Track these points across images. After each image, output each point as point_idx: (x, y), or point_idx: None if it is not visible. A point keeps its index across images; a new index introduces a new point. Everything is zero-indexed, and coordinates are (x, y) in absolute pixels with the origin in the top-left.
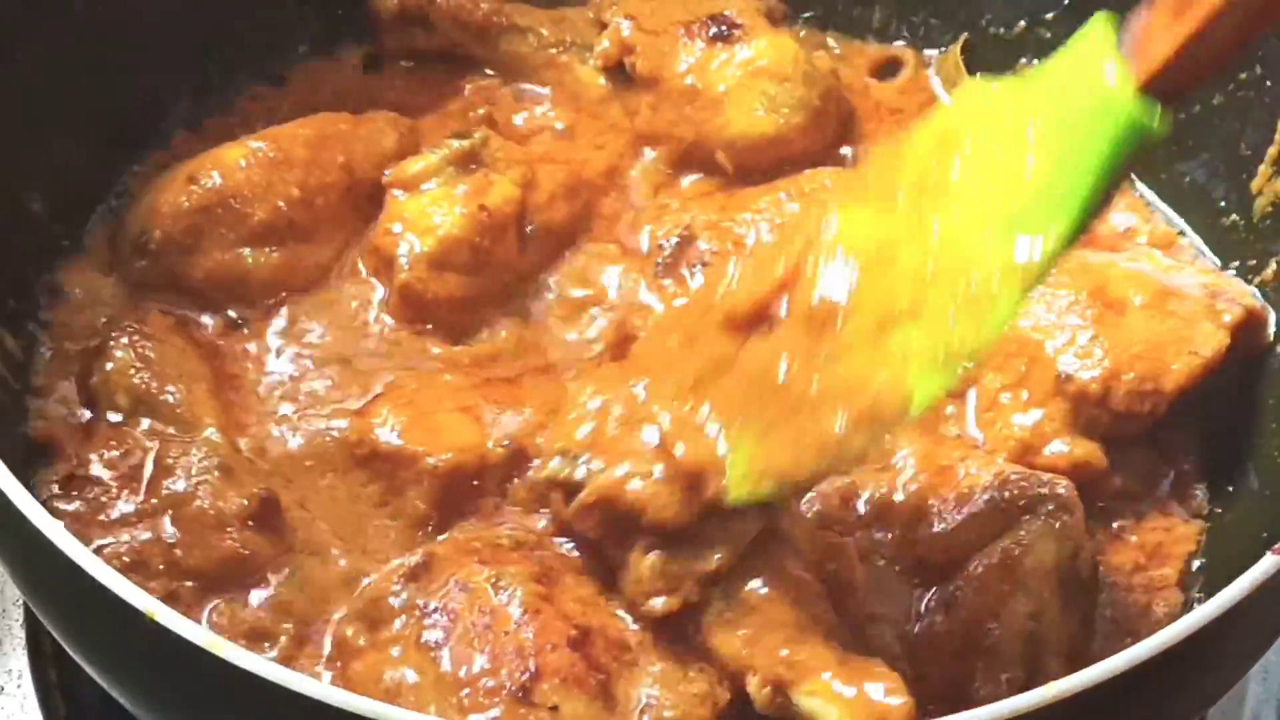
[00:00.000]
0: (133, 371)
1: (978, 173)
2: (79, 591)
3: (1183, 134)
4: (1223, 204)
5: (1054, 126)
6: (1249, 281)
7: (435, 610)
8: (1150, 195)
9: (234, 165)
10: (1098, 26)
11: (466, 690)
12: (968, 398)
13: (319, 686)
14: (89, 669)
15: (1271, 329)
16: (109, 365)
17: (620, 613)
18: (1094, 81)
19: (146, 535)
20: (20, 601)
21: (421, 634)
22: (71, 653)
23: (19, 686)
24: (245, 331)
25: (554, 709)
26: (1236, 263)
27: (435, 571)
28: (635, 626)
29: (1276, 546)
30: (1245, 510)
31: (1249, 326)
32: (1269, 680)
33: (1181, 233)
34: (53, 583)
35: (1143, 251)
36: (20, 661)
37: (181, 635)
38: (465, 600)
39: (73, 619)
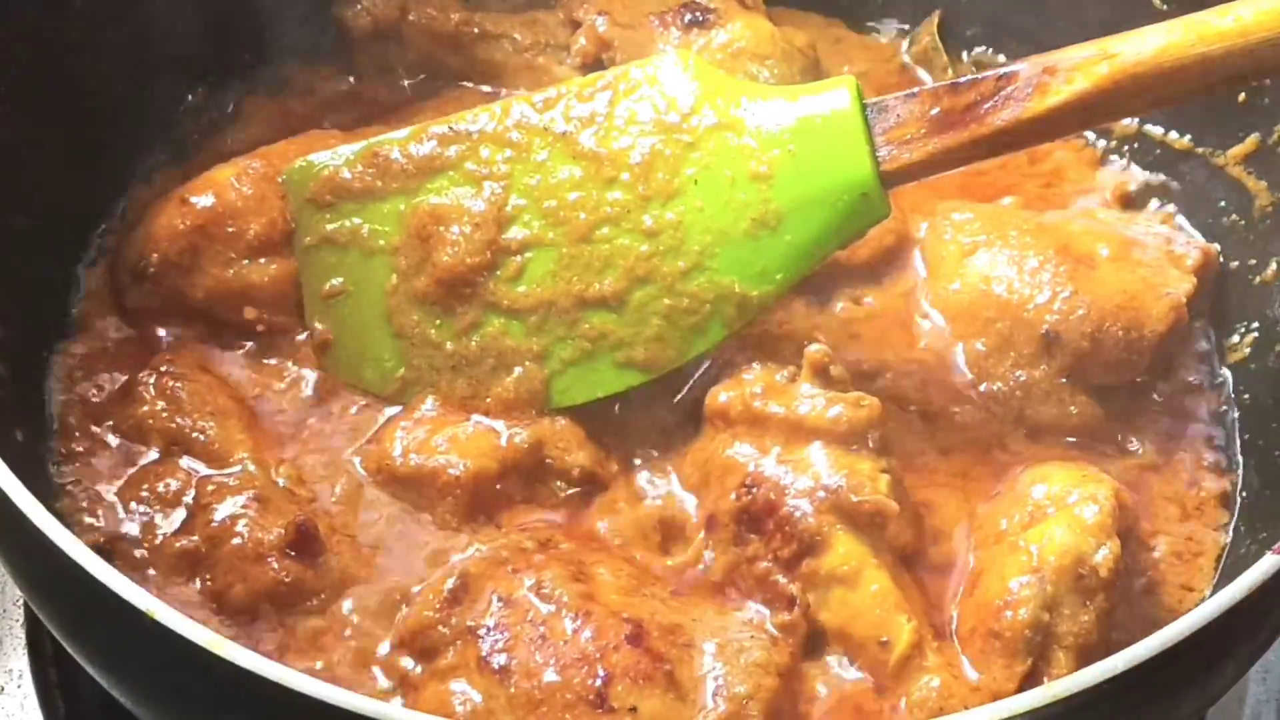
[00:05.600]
0: (164, 413)
1: (713, 181)
2: (79, 591)
3: (1182, 132)
4: (1222, 204)
5: (799, 171)
6: (1249, 281)
7: (487, 631)
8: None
9: (226, 184)
10: (849, 92)
11: (544, 707)
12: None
13: (319, 685)
14: (89, 669)
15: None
16: (142, 409)
17: (660, 594)
18: (843, 148)
19: (191, 575)
20: (21, 601)
21: (481, 657)
22: (72, 652)
23: (19, 686)
24: (267, 362)
25: (633, 710)
26: (1236, 263)
27: (474, 591)
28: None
29: (1276, 546)
30: (1245, 509)
31: (1207, 267)
32: (1269, 680)
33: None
34: (53, 582)
35: (1088, 206)
36: (20, 661)
37: (181, 635)
38: (514, 615)
39: (73, 619)
